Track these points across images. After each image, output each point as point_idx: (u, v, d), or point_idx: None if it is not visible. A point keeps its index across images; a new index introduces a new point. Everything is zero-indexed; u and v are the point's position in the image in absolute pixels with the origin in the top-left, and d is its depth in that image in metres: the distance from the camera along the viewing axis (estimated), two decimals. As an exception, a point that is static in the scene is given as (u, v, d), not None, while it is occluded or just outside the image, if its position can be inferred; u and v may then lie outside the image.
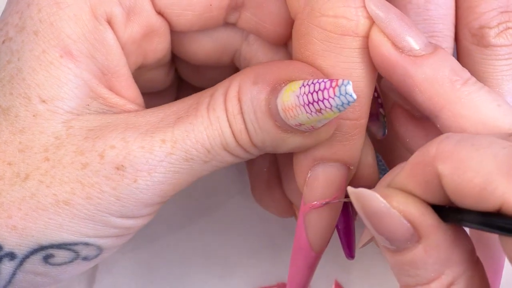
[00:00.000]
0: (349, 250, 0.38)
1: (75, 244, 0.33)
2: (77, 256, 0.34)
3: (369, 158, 0.36)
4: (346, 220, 0.38)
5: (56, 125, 0.32)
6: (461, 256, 0.29)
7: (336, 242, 0.45)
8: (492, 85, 0.36)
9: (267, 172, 0.41)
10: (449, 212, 0.28)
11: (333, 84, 0.30)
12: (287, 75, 0.32)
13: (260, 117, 0.32)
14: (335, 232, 0.38)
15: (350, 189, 0.29)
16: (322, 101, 0.30)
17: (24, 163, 0.32)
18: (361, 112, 0.33)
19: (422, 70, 0.31)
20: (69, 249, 0.33)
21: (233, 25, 0.36)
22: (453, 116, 0.31)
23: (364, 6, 0.31)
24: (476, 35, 0.36)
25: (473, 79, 0.32)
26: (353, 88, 0.29)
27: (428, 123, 0.33)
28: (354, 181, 0.36)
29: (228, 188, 0.48)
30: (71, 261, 0.34)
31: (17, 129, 0.32)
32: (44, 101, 0.32)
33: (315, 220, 0.35)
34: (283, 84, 0.32)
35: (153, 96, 0.40)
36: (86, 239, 0.33)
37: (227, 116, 0.33)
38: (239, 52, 0.38)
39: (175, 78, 0.41)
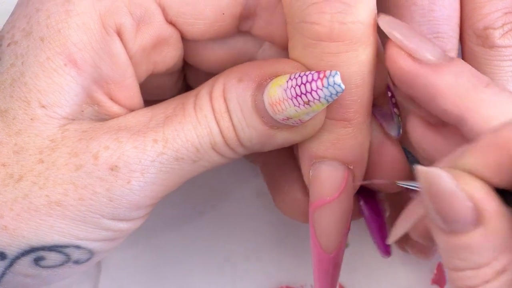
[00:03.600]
0: (385, 247, 0.38)
1: (66, 246, 0.33)
2: (68, 259, 0.34)
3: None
4: (377, 217, 0.38)
5: (52, 128, 0.33)
6: None
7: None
8: None
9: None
10: None
11: (321, 75, 0.30)
12: (273, 70, 0.33)
13: (247, 114, 0.33)
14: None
15: (420, 167, 0.29)
16: (310, 92, 0.31)
17: (18, 164, 0.32)
18: (349, 113, 0.33)
19: (444, 77, 0.31)
20: (60, 252, 0.33)
21: (247, 32, 0.36)
22: (480, 117, 0.31)
23: (340, 12, 0.31)
24: (481, 36, 0.36)
25: (493, 82, 0.32)
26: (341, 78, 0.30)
27: (445, 129, 0.34)
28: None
29: (231, 189, 0.47)
30: (62, 264, 0.34)
31: (13, 131, 0.32)
32: (43, 106, 0.32)
33: (320, 219, 0.35)
34: (269, 80, 0.32)
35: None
36: (77, 242, 0.33)
37: (214, 115, 0.33)
38: (254, 59, 0.37)
39: (183, 85, 0.41)
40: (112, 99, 0.34)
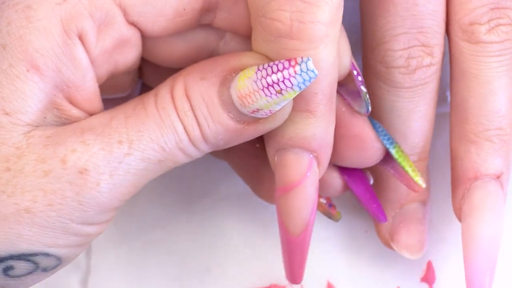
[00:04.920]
0: (380, 214, 0.39)
1: (35, 254, 0.33)
2: (36, 267, 0.33)
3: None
4: (365, 188, 0.38)
5: (17, 136, 0.32)
6: None
7: (330, 243, 0.45)
8: (483, 82, 0.36)
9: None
10: None
11: (292, 63, 0.30)
12: (238, 64, 0.33)
13: (213, 110, 0.32)
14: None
15: None
16: (283, 81, 0.30)
17: None
18: (312, 104, 0.33)
19: None
20: (28, 260, 0.33)
21: (208, 25, 0.36)
22: None
23: (300, 11, 0.31)
24: (467, 32, 0.36)
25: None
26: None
27: None
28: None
29: (222, 189, 0.47)
30: (30, 273, 0.33)
31: None
32: (7, 114, 0.32)
33: (285, 204, 0.35)
34: (234, 74, 0.32)
35: (115, 103, 0.40)
36: (46, 249, 0.33)
37: (177, 113, 0.33)
38: (216, 52, 0.37)
39: (138, 84, 0.41)
40: (72, 102, 0.34)
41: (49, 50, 0.32)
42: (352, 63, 0.35)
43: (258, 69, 0.31)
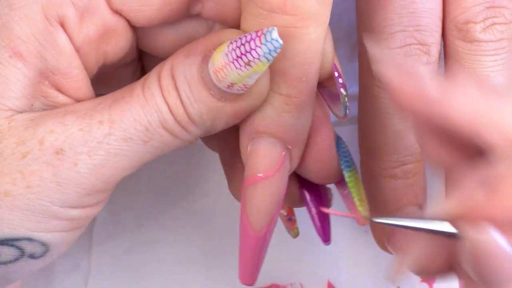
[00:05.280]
0: (325, 235, 0.38)
1: (18, 239, 0.33)
2: (22, 253, 0.33)
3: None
4: (320, 205, 0.37)
5: None
6: None
7: (331, 243, 0.45)
8: None
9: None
10: None
11: (259, 33, 0.30)
12: (217, 40, 0.33)
13: (194, 88, 0.32)
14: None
15: (469, 237, 0.27)
16: (250, 52, 0.30)
17: None
18: (293, 90, 0.33)
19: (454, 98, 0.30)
20: (12, 245, 0.33)
21: (198, 16, 0.36)
22: (495, 131, 0.29)
23: None
24: (462, 30, 0.36)
25: (501, 91, 0.31)
26: (278, 34, 0.30)
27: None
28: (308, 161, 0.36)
29: (221, 189, 0.47)
30: (17, 259, 0.33)
31: None
32: None
33: (251, 196, 0.34)
34: (213, 50, 0.32)
35: None
36: (29, 234, 0.33)
37: (162, 93, 0.33)
38: None
39: (142, 75, 0.41)
40: (59, 90, 0.34)
41: (30, 36, 0.33)
42: (335, 64, 0.35)
43: (230, 42, 0.31)
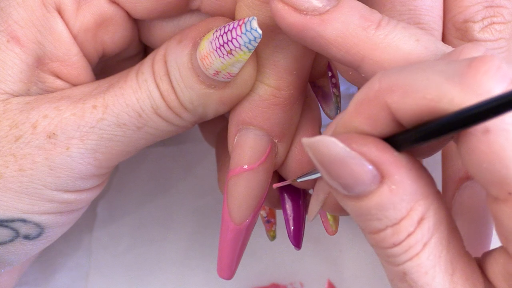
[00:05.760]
0: (296, 240, 0.37)
1: (12, 220, 0.33)
2: (17, 234, 0.34)
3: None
4: (295, 208, 0.37)
5: None
6: (425, 189, 0.27)
7: (330, 242, 0.45)
8: None
9: None
10: (401, 138, 0.27)
11: (240, 22, 0.31)
12: (206, 27, 0.33)
13: (184, 74, 0.32)
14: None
15: (304, 139, 0.27)
16: (231, 40, 0.31)
17: None
18: (282, 83, 0.33)
19: (332, 26, 0.30)
20: (6, 226, 0.33)
21: (197, 10, 0.36)
22: (375, 63, 0.30)
23: None
24: (460, 29, 0.36)
25: (386, 18, 0.30)
26: (258, 23, 0.30)
27: None
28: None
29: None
30: (12, 240, 0.34)
31: None
32: None
33: (234, 187, 0.35)
34: (202, 37, 0.33)
35: None
36: (23, 215, 0.33)
37: (154, 78, 0.33)
38: None
39: None
40: (58, 77, 0.34)
41: (28, 22, 0.33)
42: (329, 64, 0.35)
43: (215, 30, 0.32)
